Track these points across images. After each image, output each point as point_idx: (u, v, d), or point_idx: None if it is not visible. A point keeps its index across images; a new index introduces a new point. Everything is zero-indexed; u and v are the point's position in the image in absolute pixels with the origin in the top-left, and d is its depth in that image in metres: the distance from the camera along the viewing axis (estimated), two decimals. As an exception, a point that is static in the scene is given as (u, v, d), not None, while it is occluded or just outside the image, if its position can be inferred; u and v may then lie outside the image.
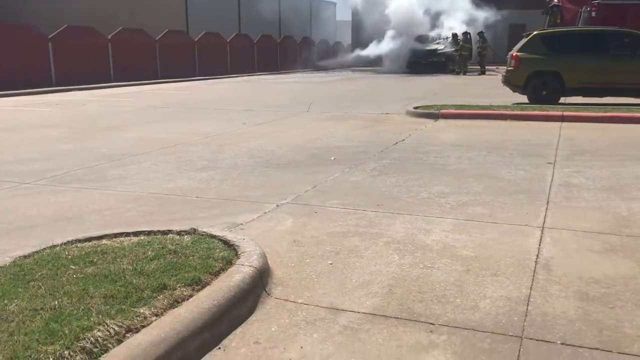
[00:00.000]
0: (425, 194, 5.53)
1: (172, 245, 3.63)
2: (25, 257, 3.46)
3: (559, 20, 19.80)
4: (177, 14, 36.85)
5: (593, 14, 17.34)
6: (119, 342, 2.50)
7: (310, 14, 41.57)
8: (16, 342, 2.40)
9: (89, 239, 3.82)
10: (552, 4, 20.64)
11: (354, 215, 4.84)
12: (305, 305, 3.16)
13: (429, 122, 10.74)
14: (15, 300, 2.81)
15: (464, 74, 28.75)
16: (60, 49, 22.21)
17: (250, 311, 3.08)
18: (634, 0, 17.78)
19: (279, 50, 38.87)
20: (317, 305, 3.15)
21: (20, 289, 2.95)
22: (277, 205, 5.15)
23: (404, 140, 8.79)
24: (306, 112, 12.96)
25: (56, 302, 2.78)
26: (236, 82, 26.49)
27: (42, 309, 2.72)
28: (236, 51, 34.12)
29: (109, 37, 25.07)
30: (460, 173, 6.40)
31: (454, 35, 31.16)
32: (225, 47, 33.40)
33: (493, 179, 6.09)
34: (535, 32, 13.59)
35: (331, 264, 3.75)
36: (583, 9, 17.94)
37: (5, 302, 2.80)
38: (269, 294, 3.29)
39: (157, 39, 27.92)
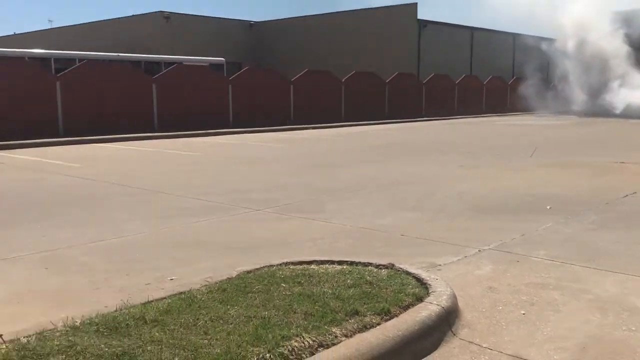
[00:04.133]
0: (648, 253, 5.07)
1: (370, 276, 3.94)
2: (247, 272, 4.07)
3: None
4: (409, 58, 38.28)
5: None
6: (311, 354, 2.85)
7: (547, 58, 39.80)
8: (231, 340, 2.89)
9: (300, 263, 4.32)
10: None
11: (559, 268, 4.66)
12: (489, 350, 3.20)
13: (671, 175, 9.63)
14: (235, 307, 3.36)
15: None
16: (299, 90, 24.71)
17: (434, 347, 3.22)
18: None
19: (508, 91, 37.86)
20: (501, 352, 3.17)
21: (240, 298, 3.51)
22: (479, 250, 5.18)
23: (635, 193, 8.04)
24: (528, 156, 12.52)
25: (266, 313, 3.26)
26: (461, 123, 26.50)
27: (254, 316, 3.21)
28: (464, 92, 34.15)
29: (343, 79, 27.07)
30: (696, 234, 5.70)
31: None
32: (453, 89, 33.67)
33: None
34: None
35: (524, 313, 3.70)
36: None
37: (228, 307, 3.36)
38: (454, 334, 3.39)
39: (387, 81, 29.33)
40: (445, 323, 3.40)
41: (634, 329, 3.44)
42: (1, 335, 2.98)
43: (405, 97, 29.98)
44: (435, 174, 10.09)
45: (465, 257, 4.99)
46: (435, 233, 5.87)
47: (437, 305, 3.46)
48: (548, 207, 7.07)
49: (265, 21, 47.20)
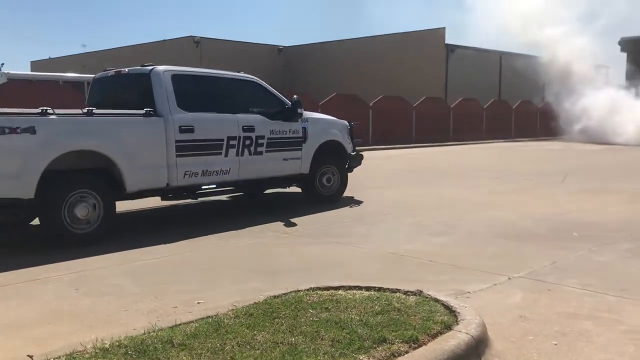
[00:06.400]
0: (685, 283, 4.92)
1: (398, 303, 3.91)
2: (274, 297, 4.07)
3: None
4: (437, 82, 38.28)
5: None
6: (338, 382, 2.83)
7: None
8: (258, 366, 2.89)
9: (328, 288, 4.31)
10: None
11: (592, 297, 4.55)
12: (519, 382, 3.13)
13: None
14: (262, 332, 3.36)
15: None
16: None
17: (463, 377, 3.17)
18: None
19: (538, 115, 37.47)
20: (532, 384, 3.10)
21: (267, 324, 3.51)
22: (509, 278, 5.10)
23: (670, 220, 7.85)
24: (560, 182, 12.33)
25: (293, 339, 3.25)
26: (490, 148, 26.29)
27: (281, 342, 3.20)
28: (493, 117, 33.92)
29: (371, 104, 27.16)
30: None
31: None
32: (481, 113, 33.48)
33: None
34: None
35: (556, 344, 3.62)
36: None
37: (255, 332, 3.36)
38: (484, 364, 3.33)
39: (414, 105, 29.33)
40: (475, 353, 3.34)
41: (671, 362, 3.34)
42: (31, 356, 3.03)
43: (433, 121, 29.90)
44: (464, 198, 9.99)
45: (495, 284, 4.92)
46: (464, 259, 5.80)
47: (467, 334, 3.40)
48: (575, 234, 6.94)
49: (294, 45, 47.80)
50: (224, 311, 3.80)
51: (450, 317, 3.68)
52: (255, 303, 3.95)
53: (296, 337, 3.27)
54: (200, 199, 8.48)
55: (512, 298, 4.55)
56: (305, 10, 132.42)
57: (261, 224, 7.71)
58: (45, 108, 6.40)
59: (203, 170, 7.71)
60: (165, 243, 6.62)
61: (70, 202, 6.46)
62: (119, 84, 8.28)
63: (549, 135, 35.68)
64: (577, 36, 33.57)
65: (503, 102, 36.16)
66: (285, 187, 9.61)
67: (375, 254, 6.05)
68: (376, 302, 3.91)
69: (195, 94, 8.00)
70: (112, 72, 8.22)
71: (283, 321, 3.54)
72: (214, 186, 8.12)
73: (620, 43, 41.25)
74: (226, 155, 7.97)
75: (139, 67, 7.90)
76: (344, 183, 9.87)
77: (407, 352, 3.16)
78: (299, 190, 9.72)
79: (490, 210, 8.79)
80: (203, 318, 3.67)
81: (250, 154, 8.27)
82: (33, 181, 6.15)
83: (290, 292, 4.20)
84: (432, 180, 12.94)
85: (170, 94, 7.48)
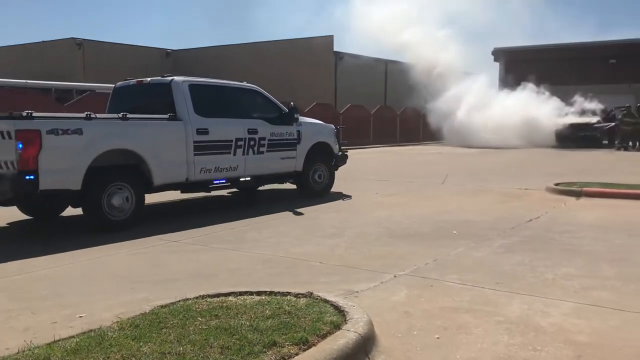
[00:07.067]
0: (550, 275, 5.36)
1: (288, 306, 3.94)
2: (162, 306, 3.95)
3: None
4: (326, 88, 39.04)
5: None
6: (228, 389, 2.79)
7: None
8: (144, 378, 2.79)
9: (218, 295, 4.25)
10: None
11: (470, 291, 4.84)
12: (405, 376, 3.26)
13: (570, 200, 10.29)
14: (149, 344, 3.25)
15: (625, 149, 26.99)
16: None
17: (351, 375, 3.25)
18: None
19: (421, 120, 39.32)
20: (416, 377, 3.24)
21: (154, 334, 3.40)
22: (395, 276, 5.30)
23: (538, 217, 8.53)
24: (440, 184, 13.01)
25: (181, 348, 3.17)
26: (376, 153, 27.19)
27: (168, 352, 3.12)
28: (379, 122, 35.12)
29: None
30: (592, 255, 6.11)
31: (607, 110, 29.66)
32: (368, 119, 34.56)
33: (628, 264, 5.73)
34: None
35: (438, 338, 3.81)
36: None
37: (141, 344, 3.25)
38: (371, 361, 3.44)
39: (305, 111, 29.69)
40: (362, 350, 3.44)
41: (538, 348, 3.62)
42: None
43: (323, 126, 30.35)
44: (354, 201, 10.26)
45: (382, 282, 5.09)
46: (353, 260, 5.96)
47: (355, 332, 3.49)
48: (455, 233, 7.37)
49: (182, 49, 46.76)
50: (108, 324, 3.64)
51: (340, 317, 3.77)
52: (141, 314, 3.81)
53: (184, 347, 3.20)
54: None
55: (398, 295, 4.73)
56: (194, 15, 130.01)
57: (151, 233, 7.46)
58: (89, 113, 7.52)
59: (215, 167, 8.88)
60: (45, 255, 6.22)
61: (109, 193, 7.51)
62: (140, 92, 9.37)
63: (430, 139, 37.56)
64: (444, 45, 35.51)
65: (389, 108, 37.59)
66: (282, 183, 10.84)
67: (266, 259, 6.05)
68: (267, 307, 3.91)
69: (208, 100, 9.02)
70: (133, 82, 9.33)
71: (171, 331, 3.45)
72: (224, 180, 9.15)
73: (493, 53, 44.34)
74: (234, 154, 9.16)
75: (160, 78, 9.07)
76: (332, 179, 11.24)
77: (297, 354, 3.19)
78: (193, 195, 9.53)
79: (377, 211, 9.10)
80: (85, 332, 3.50)
81: (254, 153, 9.47)
82: (80, 175, 7.20)
83: (179, 301, 4.10)
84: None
85: (188, 101, 8.63)
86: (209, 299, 4.13)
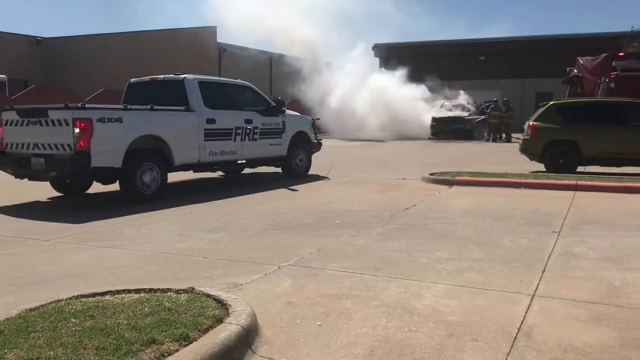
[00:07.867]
0: (425, 259, 5.66)
1: (169, 303, 3.84)
2: (31, 310, 3.71)
3: (579, 91, 20.05)
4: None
5: (612, 85, 17.58)
6: (103, 391, 2.68)
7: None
8: (9, 387, 2.61)
9: (94, 295, 4.06)
10: (572, 74, 20.96)
11: (351, 278, 4.99)
12: (287, 364, 3.30)
13: (443, 189, 10.91)
14: (15, 350, 3.04)
15: (493, 141, 29.00)
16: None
17: (234, 368, 3.24)
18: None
19: (305, 114, 39.71)
20: (299, 364, 3.29)
21: (20, 340, 3.18)
22: (279, 267, 5.34)
23: (415, 205, 8.96)
24: (325, 175, 13.27)
25: (52, 352, 3.00)
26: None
27: (37, 358, 2.93)
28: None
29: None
30: (463, 240, 6.53)
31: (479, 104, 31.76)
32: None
33: (494, 247, 6.19)
34: (551, 103, 13.86)
35: (320, 325, 3.90)
36: (602, 80, 18.20)
37: (5, 351, 3.02)
38: (254, 352, 3.45)
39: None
40: (245, 342, 3.44)
41: (414, 329, 3.82)
42: None
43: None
44: (237, 195, 10.20)
45: (266, 274, 5.11)
46: (237, 253, 5.93)
47: (237, 325, 3.48)
48: (337, 222, 7.57)
49: (55, 37, 43.87)
50: (-32, 332, 3.35)
51: (222, 311, 3.74)
52: (7, 319, 3.55)
53: (55, 350, 3.02)
54: None
55: (282, 286, 4.77)
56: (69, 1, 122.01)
57: (20, 231, 6.95)
58: (126, 105, 9.37)
59: (220, 151, 10.67)
60: None
61: (142, 171, 9.10)
62: (153, 88, 10.98)
63: (323, 132, 38.04)
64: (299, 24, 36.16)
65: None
66: (270, 166, 12.58)
67: (147, 256, 5.86)
68: (146, 304, 3.79)
69: (214, 95, 10.78)
70: (147, 79, 11.13)
71: (40, 335, 3.25)
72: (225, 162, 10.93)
73: (373, 49, 45.81)
74: (234, 140, 10.97)
75: (173, 75, 10.85)
76: (309, 164, 13.18)
77: (177, 351, 3.13)
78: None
79: (263, 204, 9.11)
80: (-60, 343, 3.19)
81: (249, 139, 11.31)
82: (121, 155, 8.79)
83: (50, 302, 3.86)
84: (211, 181, 12.95)
85: (199, 95, 10.37)
86: (83, 299, 3.93)
